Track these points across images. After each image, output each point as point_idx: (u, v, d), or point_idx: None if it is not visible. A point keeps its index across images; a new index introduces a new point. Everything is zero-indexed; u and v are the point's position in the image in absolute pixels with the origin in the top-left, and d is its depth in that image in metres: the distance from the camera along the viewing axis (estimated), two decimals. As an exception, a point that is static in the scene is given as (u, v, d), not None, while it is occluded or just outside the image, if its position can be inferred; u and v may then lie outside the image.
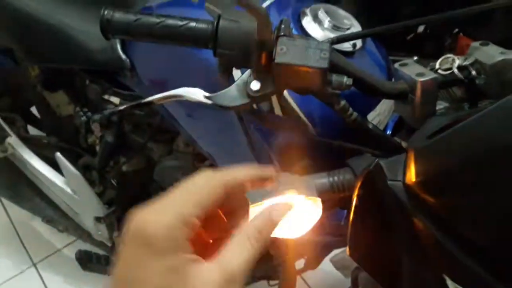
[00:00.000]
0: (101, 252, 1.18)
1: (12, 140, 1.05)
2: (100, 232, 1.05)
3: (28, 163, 1.06)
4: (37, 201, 1.20)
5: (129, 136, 0.89)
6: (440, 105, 0.49)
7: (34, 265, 1.36)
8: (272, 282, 0.94)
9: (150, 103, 0.55)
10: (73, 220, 1.14)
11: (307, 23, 0.55)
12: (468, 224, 0.36)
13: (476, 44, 0.47)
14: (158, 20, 0.43)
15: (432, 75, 0.45)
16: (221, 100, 0.45)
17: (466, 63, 0.46)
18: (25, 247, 1.39)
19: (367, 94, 0.47)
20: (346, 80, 0.42)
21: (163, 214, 0.27)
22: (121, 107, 0.79)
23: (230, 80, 0.47)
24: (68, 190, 1.02)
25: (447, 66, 0.46)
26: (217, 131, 0.67)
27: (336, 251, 0.78)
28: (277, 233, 0.49)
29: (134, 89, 0.80)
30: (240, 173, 0.33)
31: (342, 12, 0.58)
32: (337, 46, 0.52)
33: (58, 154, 0.96)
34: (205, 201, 0.29)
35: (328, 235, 0.63)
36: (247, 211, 0.36)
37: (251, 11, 0.37)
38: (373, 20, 0.56)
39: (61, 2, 0.82)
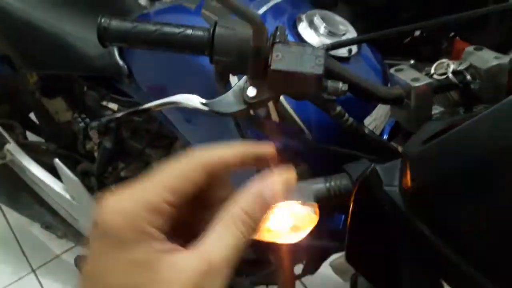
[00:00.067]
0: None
1: (11, 146, 1.05)
2: (99, 238, 1.05)
3: (27, 169, 1.06)
4: (36, 207, 1.20)
5: (127, 142, 0.89)
6: (436, 110, 0.49)
7: (33, 271, 1.35)
8: (271, 287, 0.94)
9: (148, 110, 0.55)
10: (72, 226, 1.14)
11: (303, 29, 0.56)
12: (464, 229, 0.36)
13: (470, 49, 0.47)
14: (154, 28, 0.44)
15: (427, 80, 0.45)
16: (218, 107, 0.46)
17: (461, 68, 0.46)
18: (24, 253, 1.39)
19: (363, 99, 0.47)
20: (341, 86, 0.42)
21: (126, 201, 0.24)
22: (119, 115, 0.79)
23: (227, 86, 0.47)
24: (67, 196, 1.02)
25: (442, 71, 0.46)
26: (214, 136, 0.67)
27: (335, 256, 0.78)
28: (274, 238, 0.49)
29: (132, 95, 0.81)
30: (226, 151, 0.28)
31: (337, 18, 0.58)
32: (333, 52, 0.53)
33: (57, 160, 0.96)
34: (179, 185, 0.25)
35: (327, 240, 0.63)
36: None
37: (246, 19, 0.38)
38: (368, 26, 0.56)
39: (58, 9, 0.83)
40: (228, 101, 0.45)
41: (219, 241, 0.25)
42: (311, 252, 0.75)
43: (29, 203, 1.20)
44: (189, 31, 0.44)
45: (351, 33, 0.58)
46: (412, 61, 0.72)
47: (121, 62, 0.74)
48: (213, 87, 0.48)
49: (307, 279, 0.90)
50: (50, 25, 0.81)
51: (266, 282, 0.94)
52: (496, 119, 0.33)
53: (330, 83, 0.42)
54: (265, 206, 0.26)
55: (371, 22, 0.69)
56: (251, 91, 0.44)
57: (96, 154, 0.95)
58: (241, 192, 0.26)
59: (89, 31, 0.78)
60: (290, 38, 0.44)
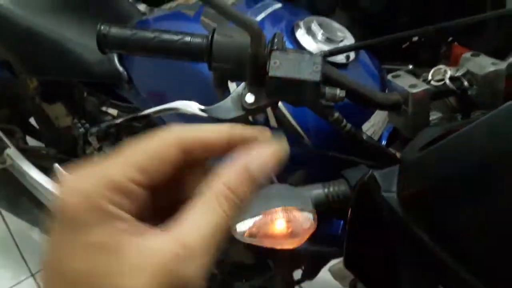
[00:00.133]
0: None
1: (11, 151, 1.06)
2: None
3: (26, 174, 1.06)
4: (35, 212, 1.20)
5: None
6: (434, 116, 0.49)
7: (33, 275, 1.35)
8: (270, 292, 0.94)
9: (147, 115, 0.56)
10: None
11: (301, 35, 0.56)
12: (462, 234, 0.36)
13: (467, 55, 0.48)
14: (153, 35, 0.44)
15: (424, 87, 0.45)
16: (217, 113, 0.46)
17: (458, 74, 0.46)
18: (23, 258, 1.39)
19: (360, 106, 0.47)
20: (339, 92, 0.43)
21: (86, 180, 0.21)
22: (118, 120, 0.79)
23: (226, 93, 0.47)
24: (67, 201, 1.02)
25: (440, 77, 0.47)
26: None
27: (334, 261, 0.78)
28: (273, 244, 0.49)
29: (131, 101, 0.81)
30: (208, 131, 0.24)
31: (335, 24, 0.59)
32: (331, 58, 0.53)
33: (57, 165, 0.96)
34: (149, 163, 0.22)
35: (325, 245, 0.63)
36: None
37: (243, 26, 0.38)
38: (366, 32, 0.57)
39: (59, 15, 0.83)
40: (226, 108, 0.45)
41: (197, 221, 0.21)
42: (310, 258, 0.75)
43: (29, 208, 1.20)
44: (188, 38, 0.44)
45: (349, 40, 0.58)
46: (410, 66, 0.73)
47: (120, 68, 0.74)
48: (211, 94, 0.48)
49: (306, 284, 0.90)
50: (50, 31, 0.81)
51: (265, 287, 0.94)
52: (494, 125, 0.33)
53: (328, 90, 0.43)
54: (251, 181, 0.23)
55: (368, 28, 0.70)
56: (250, 98, 0.44)
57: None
58: (224, 166, 0.23)
59: (89, 37, 0.79)
60: (288, 44, 0.44)
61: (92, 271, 0.19)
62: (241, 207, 0.22)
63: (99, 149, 0.89)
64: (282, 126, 0.52)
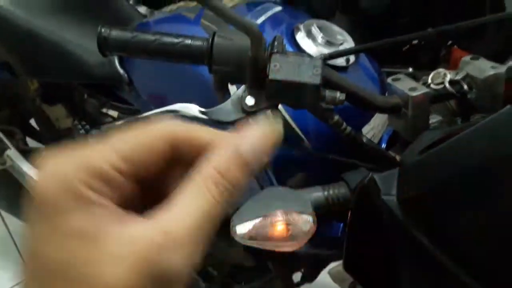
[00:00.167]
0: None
1: (11, 152, 1.06)
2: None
3: (27, 175, 1.06)
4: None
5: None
6: (434, 119, 0.49)
7: (32, 278, 1.35)
8: (270, 295, 0.93)
9: (148, 118, 0.56)
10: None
11: (301, 38, 0.56)
12: (462, 237, 0.36)
13: (467, 58, 0.48)
14: (154, 38, 0.44)
15: (424, 90, 0.45)
16: (217, 115, 0.46)
17: (458, 77, 0.46)
18: (23, 259, 1.39)
19: (360, 109, 0.47)
20: (339, 95, 0.43)
21: (65, 164, 0.19)
22: (119, 122, 0.79)
23: (226, 95, 0.47)
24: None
25: (439, 80, 0.47)
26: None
27: (333, 264, 0.78)
28: (273, 246, 0.49)
29: (132, 103, 0.81)
30: (201, 130, 0.22)
31: (335, 27, 0.59)
32: (331, 61, 0.53)
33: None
34: (134, 153, 0.21)
35: (325, 248, 0.63)
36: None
37: (243, 30, 0.38)
38: (366, 35, 0.57)
39: (59, 17, 0.83)
40: (226, 110, 0.45)
41: (182, 207, 0.19)
42: (310, 260, 0.75)
43: (29, 209, 1.20)
44: (188, 41, 0.44)
45: (349, 43, 0.58)
46: (410, 69, 0.73)
47: (121, 71, 0.74)
48: (212, 96, 0.48)
49: (305, 287, 0.90)
50: (50, 32, 0.81)
51: (265, 289, 0.94)
52: (494, 128, 0.33)
53: (328, 93, 0.43)
54: (243, 165, 0.21)
55: (368, 31, 0.70)
56: (250, 100, 0.44)
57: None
58: (214, 149, 0.21)
59: (89, 39, 0.79)
60: (288, 47, 0.45)
61: (70, 260, 0.18)
62: (233, 193, 0.21)
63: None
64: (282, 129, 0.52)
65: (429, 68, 0.49)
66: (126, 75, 0.74)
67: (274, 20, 0.59)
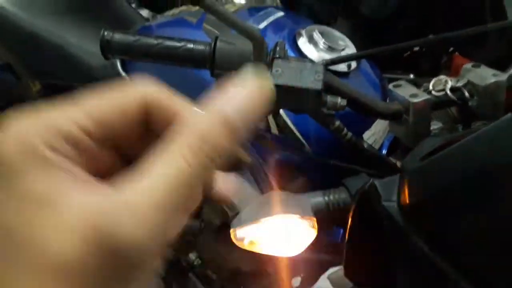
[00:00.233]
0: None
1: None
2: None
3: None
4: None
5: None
6: (435, 126, 0.49)
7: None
8: (269, 300, 0.93)
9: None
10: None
11: (303, 44, 0.56)
12: (463, 244, 0.36)
13: (468, 65, 0.48)
14: (156, 42, 0.44)
15: (425, 96, 0.45)
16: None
17: (459, 84, 0.46)
18: None
19: (361, 114, 0.47)
20: (340, 101, 0.43)
21: (26, 122, 0.18)
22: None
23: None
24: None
25: (441, 87, 0.47)
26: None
27: (333, 269, 0.78)
28: (273, 251, 0.49)
29: (133, 105, 0.81)
30: (176, 99, 0.20)
31: (336, 33, 0.59)
32: (333, 67, 0.53)
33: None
34: (105, 115, 0.19)
35: (325, 253, 0.63)
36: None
37: (246, 35, 0.38)
38: (367, 41, 0.57)
39: (61, 19, 0.84)
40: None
41: (151, 176, 0.17)
42: (309, 265, 0.75)
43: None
44: (191, 45, 0.44)
45: (350, 48, 0.58)
46: (411, 75, 0.73)
47: (123, 73, 0.75)
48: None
49: (305, 292, 0.89)
50: (53, 34, 0.82)
51: (264, 294, 0.93)
52: (495, 136, 0.33)
53: (329, 98, 0.43)
54: (229, 128, 0.18)
55: (370, 37, 0.70)
56: (251, 105, 0.44)
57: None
58: (193, 112, 0.19)
59: (92, 41, 0.79)
60: (290, 52, 0.45)
61: (23, 224, 0.17)
62: (216, 162, 0.18)
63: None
64: (283, 134, 0.52)
65: (430, 75, 0.49)
66: (128, 77, 0.74)
67: (276, 25, 0.59)
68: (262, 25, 0.59)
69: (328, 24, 0.60)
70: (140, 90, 0.19)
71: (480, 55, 0.67)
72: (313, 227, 0.43)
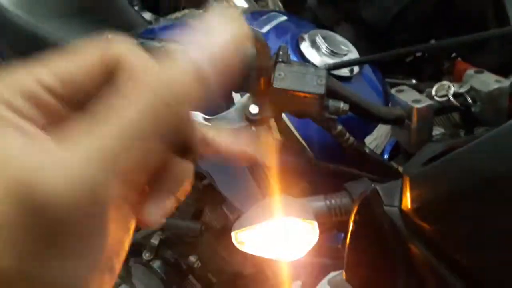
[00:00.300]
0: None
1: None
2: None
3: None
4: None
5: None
6: (437, 131, 0.49)
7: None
8: (269, 304, 0.93)
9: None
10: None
11: (305, 48, 0.56)
12: (463, 250, 0.36)
13: (471, 71, 0.48)
14: (159, 45, 0.44)
15: (428, 102, 0.45)
16: (220, 123, 0.46)
17: (462, 90, 0.46)
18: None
19: (364, 119, 0.47)
20: (342, 105, 0.43)
21: None
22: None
23: (230, 103, 0.48)
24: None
25: (443, 92, 0.47)
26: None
27: (333, 273, 0.77)
28: (273, 255, 0.49)
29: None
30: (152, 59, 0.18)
31: (339, 38, 0.59)
32: (335, 72, 0.53)
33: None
34: (69, 74, 0.17)
35: (326, 258, 0.63)
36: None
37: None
38: (370, 46, 0.57)
39: (64, 21, 0.84)
40: (230, 118, 0.46)
41: (88, 127, 0.15)
42: (310, 269, 0.75)
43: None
44: (194, 49, 0.44)
45: (353, 53, 0.58)
46: (413, 81, 0.73)
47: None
48: (216, 104, 0.48)
49: (305, 296, 0.89)
50: (55, 36, 0.82)
51: (264, 298, 0.93)
52: (498, 142, 0.33)
53: (331, 103, 0.43)
54: (200, 81, 0.17)
55: (372, 41, 0.70)
56: (254, 108, 0.44)
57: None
58: (158, 61, 0.17)
59: (95, 44, 0.79)
60: (292, 57, 0.45)
61: None
62: (181, 112, 0.16)
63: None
64: (285, 138, 0.52)
65: (432, 80, 0.49)
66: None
67: (279, 30, 0.60)
68: (265, 29, 0.59)
69: (331, 28, 0.60)
70: (110, 48, 0.18)
71: (482, 60, 0.67)
72: (315, 231, 0.43)
